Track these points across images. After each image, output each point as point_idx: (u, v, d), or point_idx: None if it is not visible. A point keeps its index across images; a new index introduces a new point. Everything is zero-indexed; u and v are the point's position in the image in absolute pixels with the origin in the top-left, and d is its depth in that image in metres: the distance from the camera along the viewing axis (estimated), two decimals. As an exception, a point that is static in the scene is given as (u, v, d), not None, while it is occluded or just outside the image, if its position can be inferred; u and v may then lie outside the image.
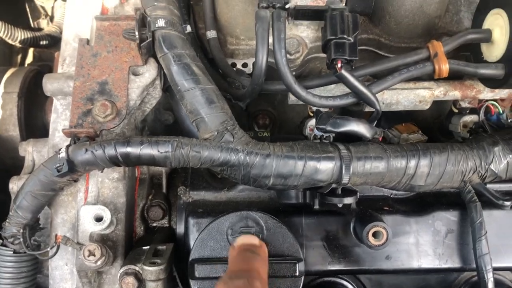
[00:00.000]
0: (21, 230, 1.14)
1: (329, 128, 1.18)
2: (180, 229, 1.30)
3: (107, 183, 1.22)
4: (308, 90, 1.21)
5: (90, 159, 1.08)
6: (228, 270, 1.06)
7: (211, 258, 1.17)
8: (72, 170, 1.10)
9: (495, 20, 1.23)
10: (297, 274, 1.14)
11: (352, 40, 1.15)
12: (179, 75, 1.12)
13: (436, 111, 1.68)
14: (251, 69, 1.42)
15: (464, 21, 1.40)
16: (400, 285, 1.39)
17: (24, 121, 1.73)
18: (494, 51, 1.24)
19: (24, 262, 1.19)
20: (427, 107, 1.37)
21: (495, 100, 1.40)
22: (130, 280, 1.10)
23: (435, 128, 1.68)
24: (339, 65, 1.14)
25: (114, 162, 1.09)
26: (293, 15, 1.26)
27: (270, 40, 1.15)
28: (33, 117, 1.78)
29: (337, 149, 1.14)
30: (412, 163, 1.14)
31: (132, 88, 1.21)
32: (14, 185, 1.30)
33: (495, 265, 1.18)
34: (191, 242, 1.24)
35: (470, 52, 1.36)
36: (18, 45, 2.30)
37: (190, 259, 1.16)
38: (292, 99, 1.33)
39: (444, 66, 1.20)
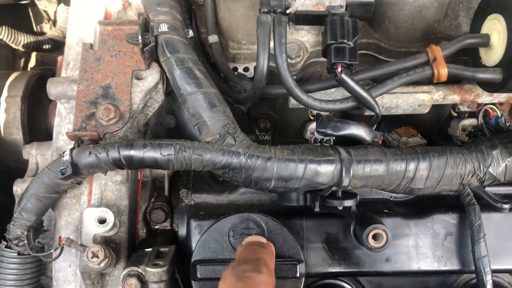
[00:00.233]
0: (25, 232, 1.15)
1: (329, 131, 1.19)
2: (182, 231, 1.31)
3: (111, 186, 1.24)
4: (309, 94, 1.22)
5: (93, 162, 1.09)
6: (236, 259, 1.08)
7: (213, 259, 1.17)
8: (76, 173, 1.11)
9: (493, 25, 1.23)
10: (298, 275, 1.15)
11: (352, 45, 1.16)
12: (182, 79, 1.13)
13: (435, 115, 1.69)
14: (253, 73, 1.43)
15: (463, 26, 1.41)
16: (399, 287, 1.40)
17: (27, 124, 1.74)
18: (492, 56, 1.25)
19: (28, 264, 1.19)
20: (426, 111, 1.37)
21: (493, 104, 1.41)
22: (133, 281, 1.11)
23: (434, 131, 1.69)
24: (339, 69, 1.15)
25: (117, 165, 1.10)
26: (294, 20, 1.26)
27: (271, 44, 1.16)
28: (36, 121, 1.78)
29: (338, 152, 1.15)
30: (412, 166, 1.15)
31: (135, 92, 1.23)
32: (18, 187, 1.31)
33: (493, 267, 1.19)
34: (193, 244, 1.25)
35: (469, 56, 1.37)
36: (21, 49, 2.32)
37: (192, 260, 1.17)
38: (293, 103, 1.34)
39: (443, 71, 1.20)
